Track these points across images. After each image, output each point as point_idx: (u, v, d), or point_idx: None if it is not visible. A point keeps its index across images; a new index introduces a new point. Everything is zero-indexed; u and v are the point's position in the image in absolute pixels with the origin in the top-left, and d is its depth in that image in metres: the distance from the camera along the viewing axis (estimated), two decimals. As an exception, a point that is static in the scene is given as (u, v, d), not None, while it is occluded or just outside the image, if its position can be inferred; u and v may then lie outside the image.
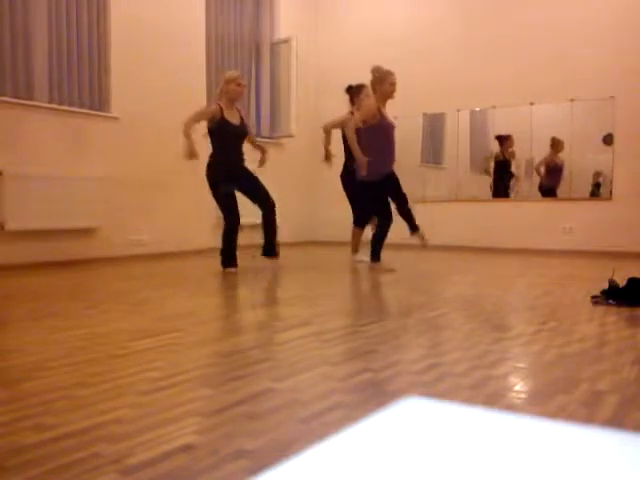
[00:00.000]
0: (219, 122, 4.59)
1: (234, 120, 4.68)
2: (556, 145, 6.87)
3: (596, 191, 6.70)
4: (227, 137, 4.64)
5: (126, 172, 5.77)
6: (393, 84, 4.79)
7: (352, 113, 5.24)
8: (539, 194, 7.00)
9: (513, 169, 7.25)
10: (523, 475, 0.41)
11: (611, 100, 6.39)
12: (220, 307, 3.29)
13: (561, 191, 6.89)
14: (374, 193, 4.87)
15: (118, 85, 5.71)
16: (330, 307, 3.13)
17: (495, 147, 7.30)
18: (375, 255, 4.89)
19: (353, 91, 5.46)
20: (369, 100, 4.88)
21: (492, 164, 7.37)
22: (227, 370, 1.87)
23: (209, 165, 4.66)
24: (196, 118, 4.59)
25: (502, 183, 7.30)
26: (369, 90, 4.98)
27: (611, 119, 6.42)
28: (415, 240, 5.04)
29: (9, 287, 3.89)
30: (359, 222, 5.55)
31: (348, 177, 5.32)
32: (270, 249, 4.88)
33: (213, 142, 4.67)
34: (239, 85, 4.66)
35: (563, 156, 6.82)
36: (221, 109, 4.60)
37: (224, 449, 1.25)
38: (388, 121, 4.85)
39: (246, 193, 4.85)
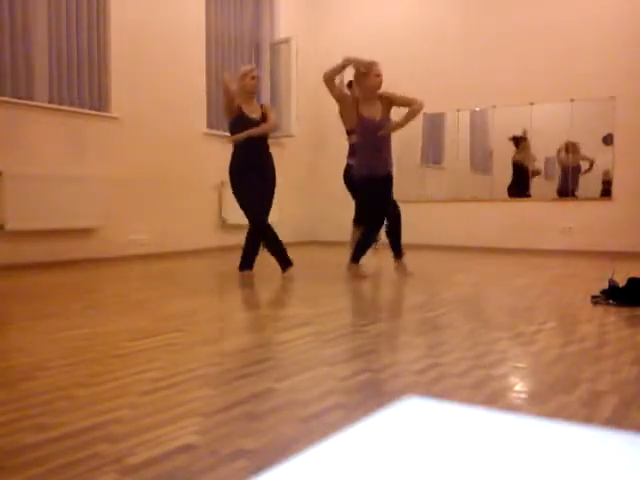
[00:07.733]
0: (238, 117, 4.54)
1: (254, 115, 4.62)
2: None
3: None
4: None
5: (126, 172, 5.77)
6: (379, 75, 4.58)
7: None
8: (541, 194, 7.01)
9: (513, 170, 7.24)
10: (523, 475, 0.41)
11: (611, 100, 6.39)
12: (220, 307, 3.29)
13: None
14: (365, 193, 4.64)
15: (118, 85, 5.71)
16: (330, 307, 3.13)
17: (495, 147, 7.30)
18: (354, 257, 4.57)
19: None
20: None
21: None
22: (227, 370, 1.87)
23: (231, 160, 4.56)
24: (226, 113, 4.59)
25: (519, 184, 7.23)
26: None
27: (611, 119, 6.42)
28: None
29: (9, 287, 3.89)
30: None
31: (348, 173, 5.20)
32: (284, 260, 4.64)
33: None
34: (253, 78, 4.63)
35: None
36: (239, 105, 4.55)
37: (224, 449, 1.25)
38: (372, 119, 4.48)
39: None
